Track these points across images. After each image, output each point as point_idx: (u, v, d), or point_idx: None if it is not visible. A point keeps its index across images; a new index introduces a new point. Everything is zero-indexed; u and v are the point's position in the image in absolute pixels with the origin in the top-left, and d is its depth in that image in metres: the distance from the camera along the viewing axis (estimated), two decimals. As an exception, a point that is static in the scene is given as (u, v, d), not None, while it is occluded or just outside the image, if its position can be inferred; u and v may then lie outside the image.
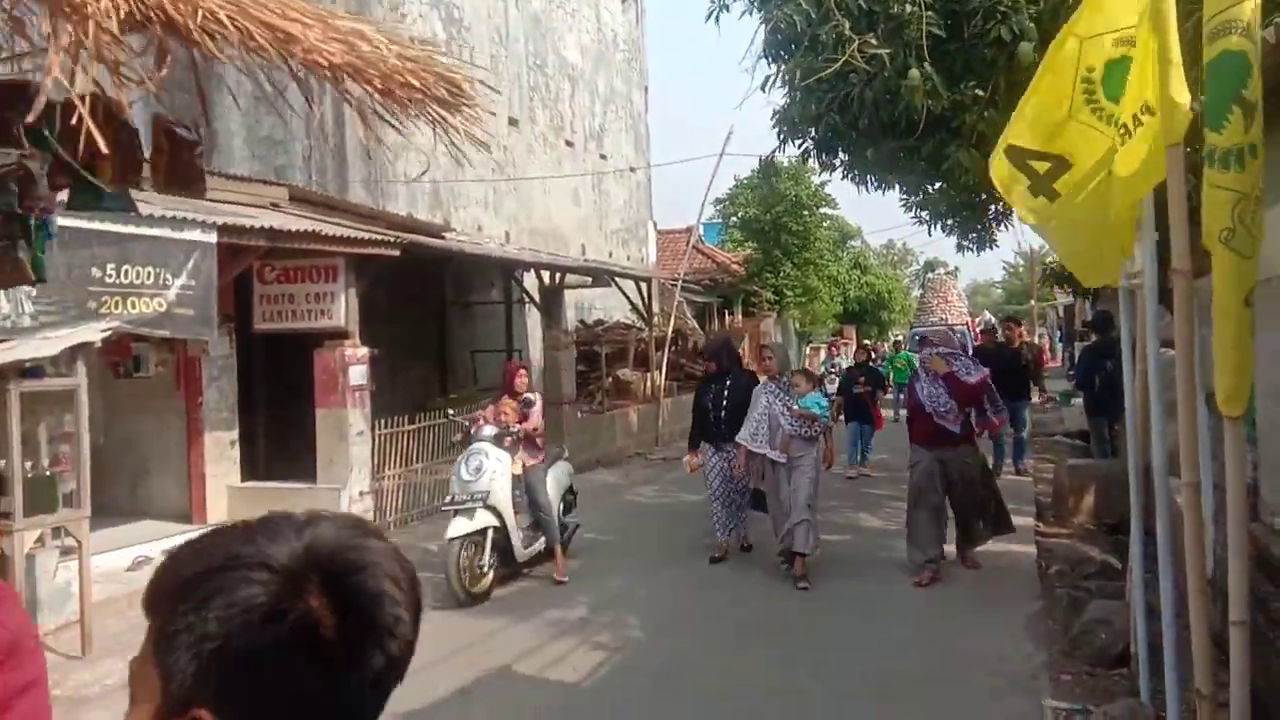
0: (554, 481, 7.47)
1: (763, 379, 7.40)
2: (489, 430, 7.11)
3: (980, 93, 6.50)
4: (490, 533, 6.71)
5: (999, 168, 3.39)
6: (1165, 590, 3.31)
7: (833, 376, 17.29)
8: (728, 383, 7.71)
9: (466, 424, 7.58)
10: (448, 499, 6.98)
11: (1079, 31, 3.03)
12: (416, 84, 2.59)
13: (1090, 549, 7.30)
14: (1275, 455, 4.10)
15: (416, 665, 0.87)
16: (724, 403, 7.62)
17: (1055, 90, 3.11)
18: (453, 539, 6.51)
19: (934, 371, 6.96)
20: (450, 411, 8.70)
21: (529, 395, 7.39)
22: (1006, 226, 11.59)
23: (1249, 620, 2.49)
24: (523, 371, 7.60)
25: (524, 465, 7.19)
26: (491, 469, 6.81)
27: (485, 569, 6.68)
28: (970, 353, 7.14)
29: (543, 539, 7.22)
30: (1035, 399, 13.21)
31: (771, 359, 7.54)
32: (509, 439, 7.06)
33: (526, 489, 7.16)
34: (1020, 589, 6.54)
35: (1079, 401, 14.53)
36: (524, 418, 7.19)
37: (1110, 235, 3.32)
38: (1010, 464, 11.35)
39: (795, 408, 6.92)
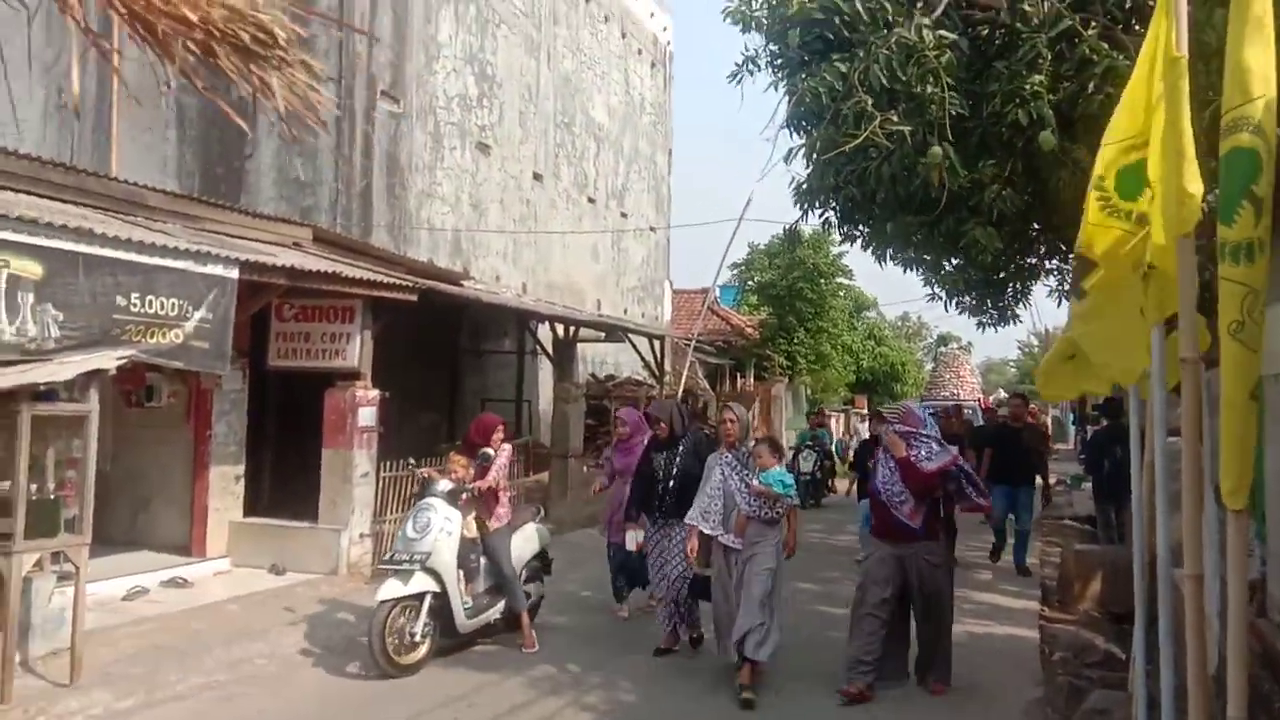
0: (521, 545, 6.97)
1: (721, 449, 6.20)
2: (443, 485, 6.53)
3: (998, 171, 6.59)
4: (428, 598, 6.12)
5: None
6: (1166, 683, 3.25)
7: (809, 452, 16.62)
8: (680, 448, 6.67)
9: (423, 476, 6.95)
10: (386, 556, 6.47)
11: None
12: (217, 33, 2.24)
13: (1095, 637, 7.17)
14: (1283, 551, 4.05)
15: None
16: (674, 470, 6.61)
17: None
18: (383, 602, 5.92)
19: (890, 448, 5.91)
20: (411, 461, 8.13)
21: (487, 450, 6.69)
22: (1026, 304, 11.63)
23: (1248, 718, 2.44)
24: (500, 428, 6.95)
25: (483, 525, 6.73)
26: (439, 527, 6.26)
27: (419, 638, 6.07)
28: (938, 432, 6.06)
29: (496, 609, 6.66)
30: (1046, 483, 12.27)
31: (733, 423, 6.14)
32: (464, 496, 6.51)
33: (487, 553, 6.69)
34: (1021, 675, 6.42)
35: (1089, 485, 14.43)
36: (482, 473, 6.62)
37: (1143, 331, 3.27)
38: (1011, 557, 10.48)
39: (755, 483, 5.83)
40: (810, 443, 17.31)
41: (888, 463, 5.86)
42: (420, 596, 6.11)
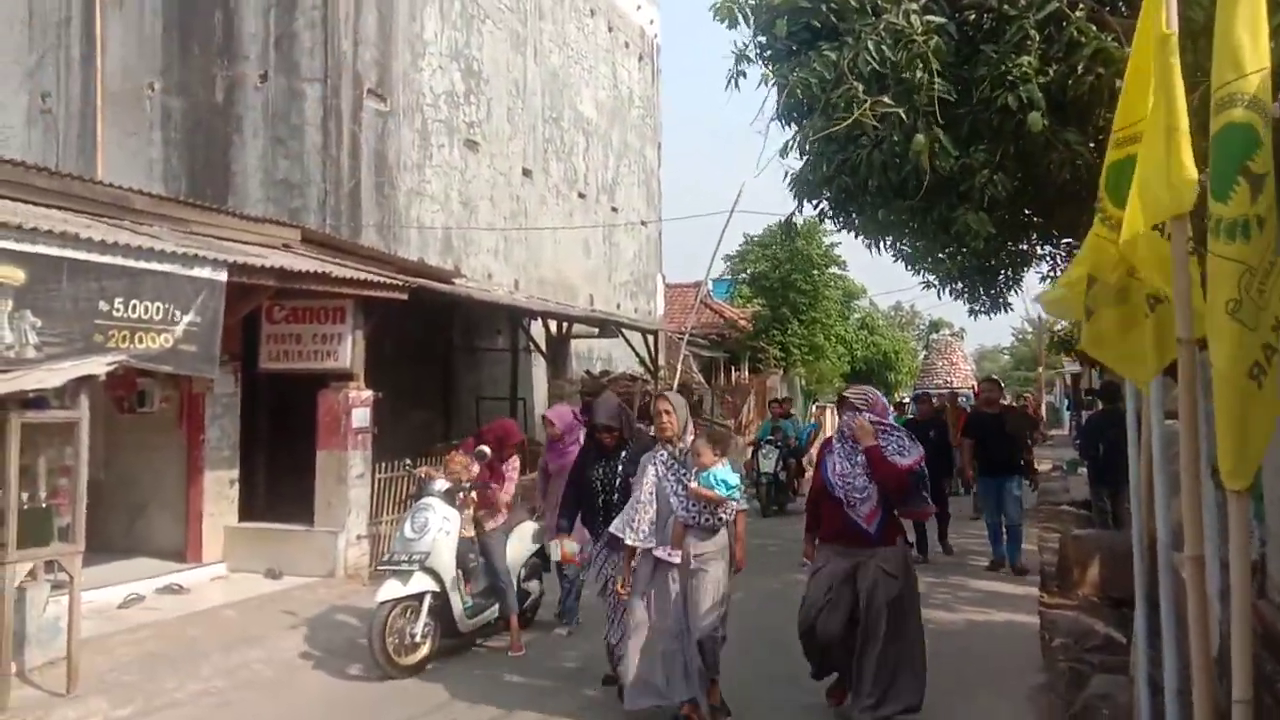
0: (516, 545, 6.92)
1: (656, 446, 5.28)
2: (440, 484, 6.51)
3: (988, 155, 6.56)
4: (427, 598, 6.10)
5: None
6: (1169, 667, 3.23)
7: (770, 449, 13.95)
8: (624, 455, 5.71)
9: (421, 476, 6.91)
10: (385, 557, 6.43)
11: None
12: None
13: (1095, 622, 7.17)
14: (1283, 531, 4.04)
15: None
16: (615, 483, 5.68)
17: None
18: (382, 603, 5.91)
19: (858, 440, 4.95)
20: (408, 461, 8.09)
21: (483, 448, 6.68)
22: (1018, 291, 11.60)
23: (1253, 699, 2.42)
24: (517, 438, 6.83)
25: (479, 526, 6.67)
26: (437, 527, 6.23)
27: (419, 639, 6.05)
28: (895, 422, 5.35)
29: (496, 607, 6.61)
30: (1032, 471, 11.11)
31: (669, 415, 5.16)
32: (461, 495, 6.49)
33: (482, 552, 6.63)
34: (1023, 661, 6.41)
35: (1084, 471, 14.42)
36: (488, 473, 6.63)
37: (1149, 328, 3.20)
38: (1004, 557, 9.74)
39: (693, 485, 4.96)
40: (771, 437, 14.40)
41: (849, 454, 4.97)
42: (420, 597, 6.09)
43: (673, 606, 4.94)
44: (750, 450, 15.08)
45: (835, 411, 17.79)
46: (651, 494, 5.05)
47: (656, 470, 5.10)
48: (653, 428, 5.34)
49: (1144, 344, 3.19)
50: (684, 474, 5.04)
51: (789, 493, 14.07)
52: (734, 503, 5.01)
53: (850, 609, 4.88)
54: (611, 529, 5.19)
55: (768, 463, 13.78)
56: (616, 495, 5.60)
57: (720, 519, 5.00)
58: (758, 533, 9.83)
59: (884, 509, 4.90)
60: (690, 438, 5.20)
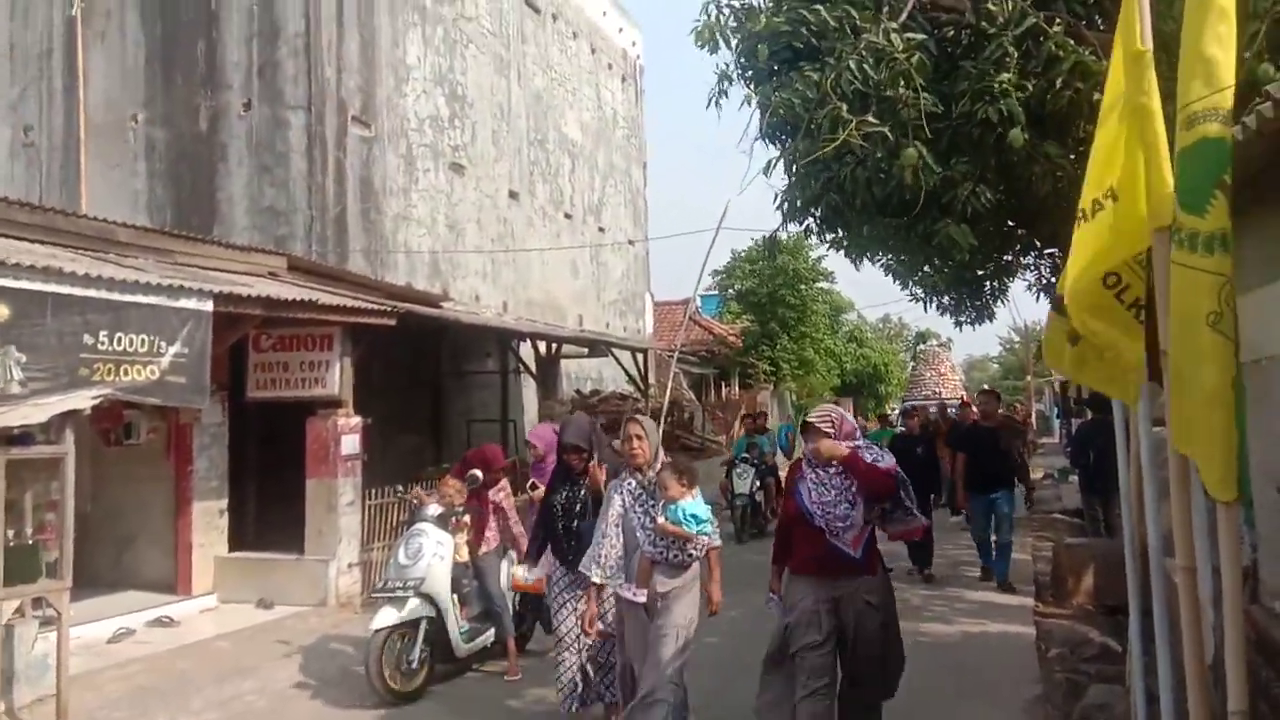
0: (510, 569, 6.75)
1: (624, 473, 4.89)
2: (433, 509, 6.53)
3: (970, 169, 6.61)
4: (423, 624, 6.07)
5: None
6: (1164, 676, 3.23)
7: (745, 468, 12.92)
8: (583, 483, 5.39)
9: (414, 501, 6.91)
10: (380, 584, 6.40)
11: None
12: None
13: (1090, 631, 7.17)
14: (1274, 537, 4.05)
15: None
16: (576, 508, 5.34)
17: None
18: (378, 630, 5.85)
19: (827, 458, 4.33)
20: (399, 488, 7.98)
21: (475, 473, 6.60)
22: (1003, 302, 11.66)
23: (1249, 710, 2.42)
24: (502, 459, 6.78)
25: (473, 550, 6.63)
26: (431, 552, 6.22)
27: (415, 665, 6.01)
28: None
29: (492, 631, 6.57)
30: (1028, 486, 10.46)
31: (640, 440, 4.76)
32: (454, 520, 6.48)
33: (476, 576, 6.60)
34: (1018, 673, 6.40)
35: (1075, 479, 14.46)
36: (481, 499, 6.59)
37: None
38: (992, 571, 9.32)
39: (660, 520, 4.52)
40: (746, 455, 13.16)
41: (825, 479, 4.35)
42: (415, 623, 6.06)
43: (631, 646, 4.64)
44: (725, 469, 14.15)
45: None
46: (617, 526, 4.68)
47: (623, 500, 4.71)
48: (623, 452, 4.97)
49: (1123, 366, 3.22)
50: (652, 505, 4.61)
51: (766, 515, 12.96)
52: (705, 538, 4.57)
53: (836, 643, 4.27)
54: (581, 567, 4.84)
55: (743, 483, 12.84)
56: (576, 522, 5.27)
57: (690, 555, 4.57)
58: (736, 560, 9.71)
59: (868, 535, 4.37)
60: (659, 466, 4.75)
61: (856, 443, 4.40)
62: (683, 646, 4.48)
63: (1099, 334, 3.04)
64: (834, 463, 4.31)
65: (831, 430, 4.36)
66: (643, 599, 4.54)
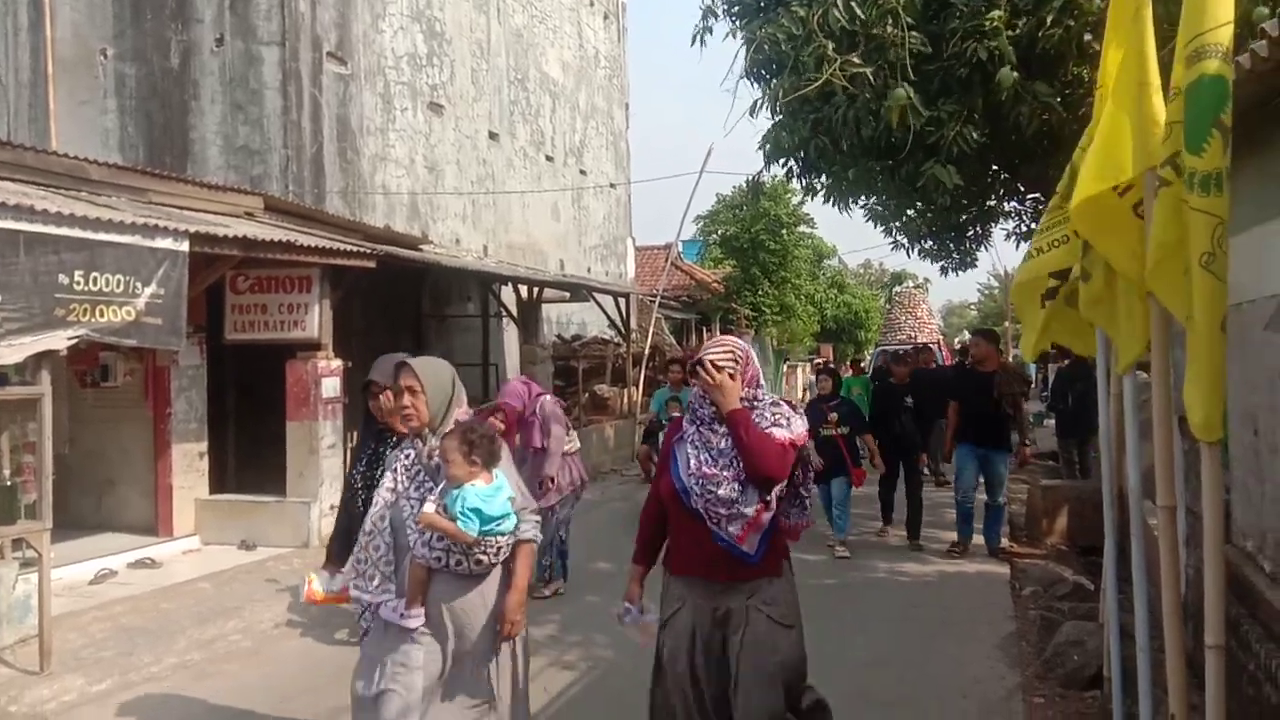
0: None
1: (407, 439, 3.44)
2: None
3: (958, 109, 6.56)
4: None
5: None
6: (1139, 613, 3.30)
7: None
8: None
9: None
10: None
11: None
12: None
13: (1063, 570, 7.33)
14: (1247, 478, 4.12)
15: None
16: (378, 474, 4.09)
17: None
18: None
19: (717, 403, 3.17)
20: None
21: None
22: (986, 247, 11.68)
23: (1225, 644, 2.48)
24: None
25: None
26: None
27: None
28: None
29: None
30: (1024, 444, 8.98)
31: (415, 395, 3.28)
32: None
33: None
34: (994, 610, 6.54)
35: (1051, 422, 14.62)
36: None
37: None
38: (969, 539, 8.28)
39: (428, 508, 3.13)
40: (669, 413, 9.75)
41: (712, 441, 3.17)
42: None
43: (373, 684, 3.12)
44: (642, 432, 12.05)
45: (802, 373, 13.72)
46: (384, 516, 3.23)
47: (396, 480, 3.28)
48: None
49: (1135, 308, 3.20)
50: (431, 489, 3.20)
51: None
52: (500, 537, 3.15)
53: (716, 670, 3.14)
54: (342, 581, 3.74)
55: None
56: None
57: (480, 561, 3.13)
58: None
59: (768, 524, 3.12)
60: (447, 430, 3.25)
61: (758, 395, 3.23)
62: (481, 700, 3.16)
63: (1112, 252, 2.99)
64: (724, 410, 3.15)
65: (735, 370, 3.17)
66: (415, 622, 3.11)
